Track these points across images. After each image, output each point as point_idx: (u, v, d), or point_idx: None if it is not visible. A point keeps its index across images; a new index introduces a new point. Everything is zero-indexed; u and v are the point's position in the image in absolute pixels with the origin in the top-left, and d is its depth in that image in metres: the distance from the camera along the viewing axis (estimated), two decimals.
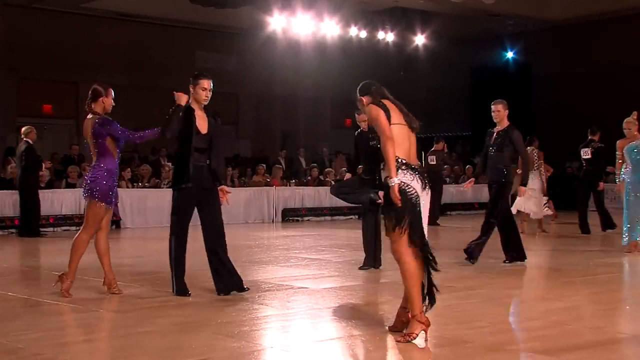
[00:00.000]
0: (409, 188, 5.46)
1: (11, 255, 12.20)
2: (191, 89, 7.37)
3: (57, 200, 15.72)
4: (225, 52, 23.43)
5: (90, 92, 7.56)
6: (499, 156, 9.64)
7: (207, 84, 7.33)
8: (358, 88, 5.94)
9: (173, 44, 23.15)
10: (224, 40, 23.86)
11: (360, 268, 9.41)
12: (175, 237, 7.34)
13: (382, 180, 5.59)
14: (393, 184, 5.42)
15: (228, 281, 7.42)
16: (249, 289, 7.47)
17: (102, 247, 7.57)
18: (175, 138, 7.33)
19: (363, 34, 23.01)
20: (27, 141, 14.18)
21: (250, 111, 25.80)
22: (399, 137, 5.54)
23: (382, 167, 5.62)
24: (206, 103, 7.38)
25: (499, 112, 9.69)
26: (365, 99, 5.84)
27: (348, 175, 11.24)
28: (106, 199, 7.40)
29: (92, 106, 7.50)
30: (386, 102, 5.74)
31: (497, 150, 9.64)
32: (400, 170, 5.45)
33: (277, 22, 21.17)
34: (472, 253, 9.64)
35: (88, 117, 7.52)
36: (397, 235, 5.45)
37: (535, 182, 14.49)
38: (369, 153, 8.66)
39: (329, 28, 22.00)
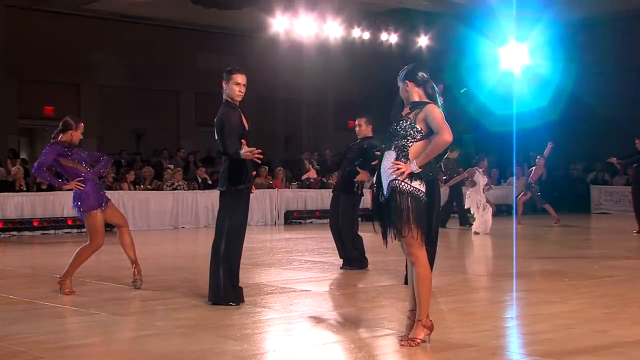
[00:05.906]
0: (420, 193, 5.39)
1: (11, 257, 12.17)
2: (224, 85, 7.04)
3: (59, 203, 15.68)
4: (227, 53, 23.38)
5: (61, 123, 7.75)
6: None
7: (240, 78, 7.00)
8: (404, 71, 5.60)
9: (175, 45, 23.13)
10: (225, 41, 23.82)
11: None
12: (234, 243, 7.03)
13: (390, 181, 5.39)
14: (414, 169, 5.32)
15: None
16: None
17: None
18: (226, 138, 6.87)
19: (366, 35, 22.96)
20: None
21: (252, 113, 25.73)
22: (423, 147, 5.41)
23: (379, 168, 5.50)
24: (240, 99, 7.04)
25: None
26: (410, 85, 5.56)
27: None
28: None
29: (60, 136, 7.69)
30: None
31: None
32: (413, 179, 5.36)
33: (280, 24, 21.11)
34: None
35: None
36: (411, 239, 5.37)
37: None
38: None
39: (332, 29, 21.94)
